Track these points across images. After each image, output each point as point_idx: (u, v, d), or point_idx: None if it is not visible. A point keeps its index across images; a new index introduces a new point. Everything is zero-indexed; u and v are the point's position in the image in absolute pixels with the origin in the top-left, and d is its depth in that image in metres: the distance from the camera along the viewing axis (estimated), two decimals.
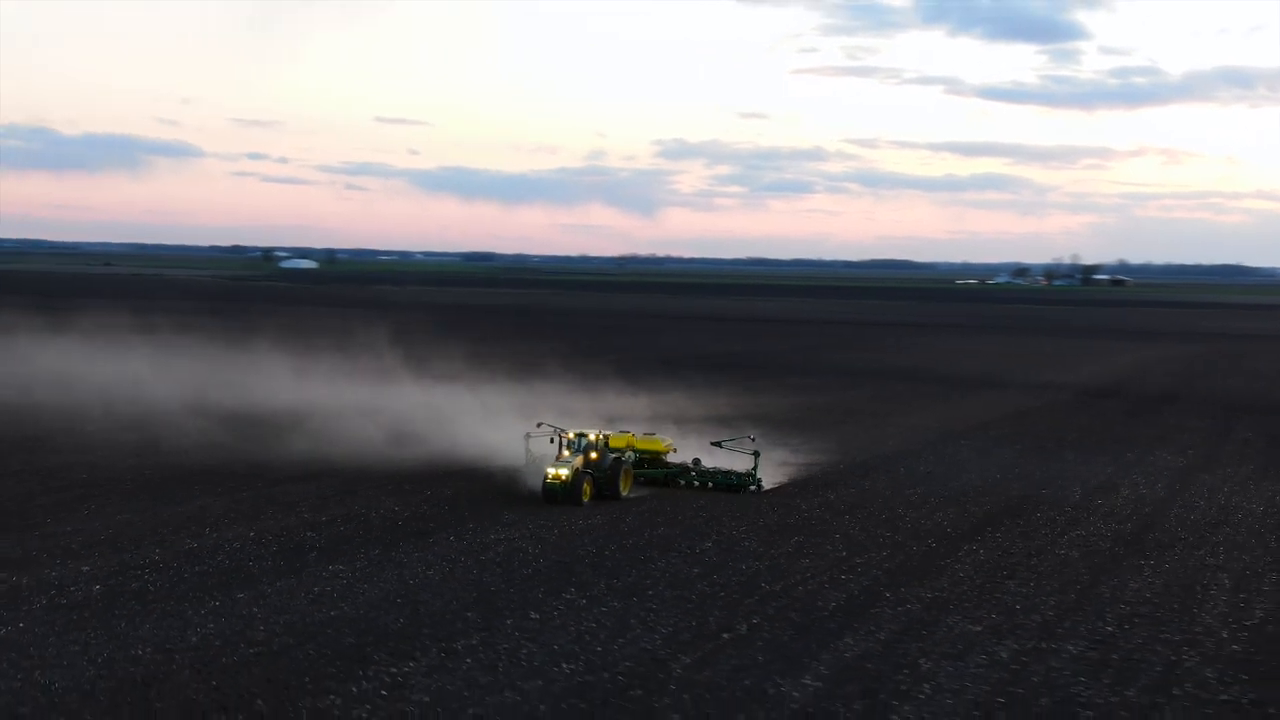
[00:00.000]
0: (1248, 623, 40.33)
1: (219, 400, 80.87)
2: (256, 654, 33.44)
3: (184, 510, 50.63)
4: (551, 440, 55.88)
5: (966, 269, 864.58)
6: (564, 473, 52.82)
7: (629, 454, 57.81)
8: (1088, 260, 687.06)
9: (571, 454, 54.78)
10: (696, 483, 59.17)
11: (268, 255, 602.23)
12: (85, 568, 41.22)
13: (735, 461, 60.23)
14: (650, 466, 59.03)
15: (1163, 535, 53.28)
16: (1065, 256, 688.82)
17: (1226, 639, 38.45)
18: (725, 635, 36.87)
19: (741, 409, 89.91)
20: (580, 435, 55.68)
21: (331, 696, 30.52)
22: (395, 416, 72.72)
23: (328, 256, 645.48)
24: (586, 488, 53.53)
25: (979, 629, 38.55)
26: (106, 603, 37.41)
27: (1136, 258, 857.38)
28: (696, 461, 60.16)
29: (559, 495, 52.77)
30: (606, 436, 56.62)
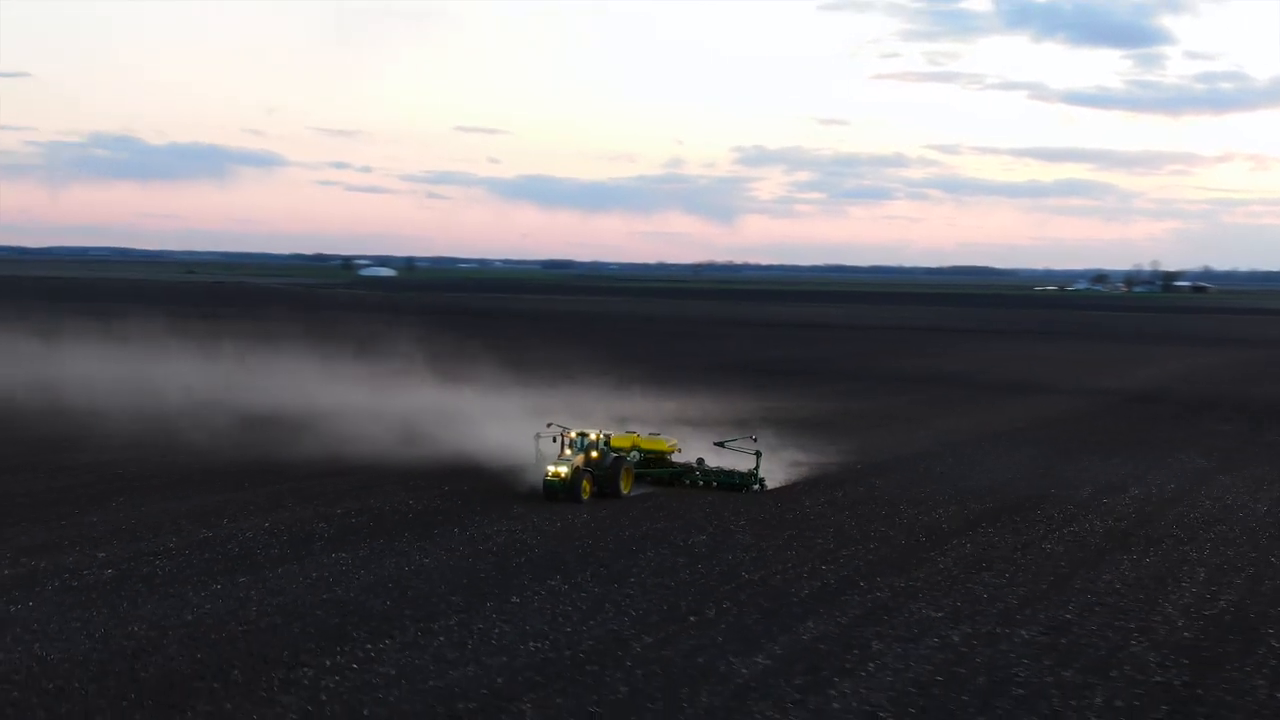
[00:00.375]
0: (1207, 612, 41.69)
1: (261, 402, 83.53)
2: (244, 631, 35.83)
3: (206, 503, 53.28)
4: (554, 440, 57.52)
5: (1048, 276, 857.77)
6: (564, 470, 54.82)
7: (634, 454, 59.66)
8: (1172, 267, 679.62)
9: (573, 453, 56.57)
10: (701, 482, 60.70)
11: (347, 263, 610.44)
12: (101, 554, 43.86)
13: (741, 461, 61.85)
14: (655, 466, 60.50)
15: (1155, 531, 54.53)
16: (1146, 263, 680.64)
17: (1181, 627, 39.85)
18: (692, 618, 38.79)
19: (777, 412, 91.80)
20: (582, 435, 57.55)
21: (305, 669, 32.78)
22: (426, 417, 75.06)
23: (406, 264, 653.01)
24: (586, 485, 55.39)
25: (940, 615, 40.23)
26: (115, 585, 39.98)
27: (1222, 264, 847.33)
28: (700, 461, 61.63)
29: (559, 492, 54.70)
30: (608, 436, 58.46)
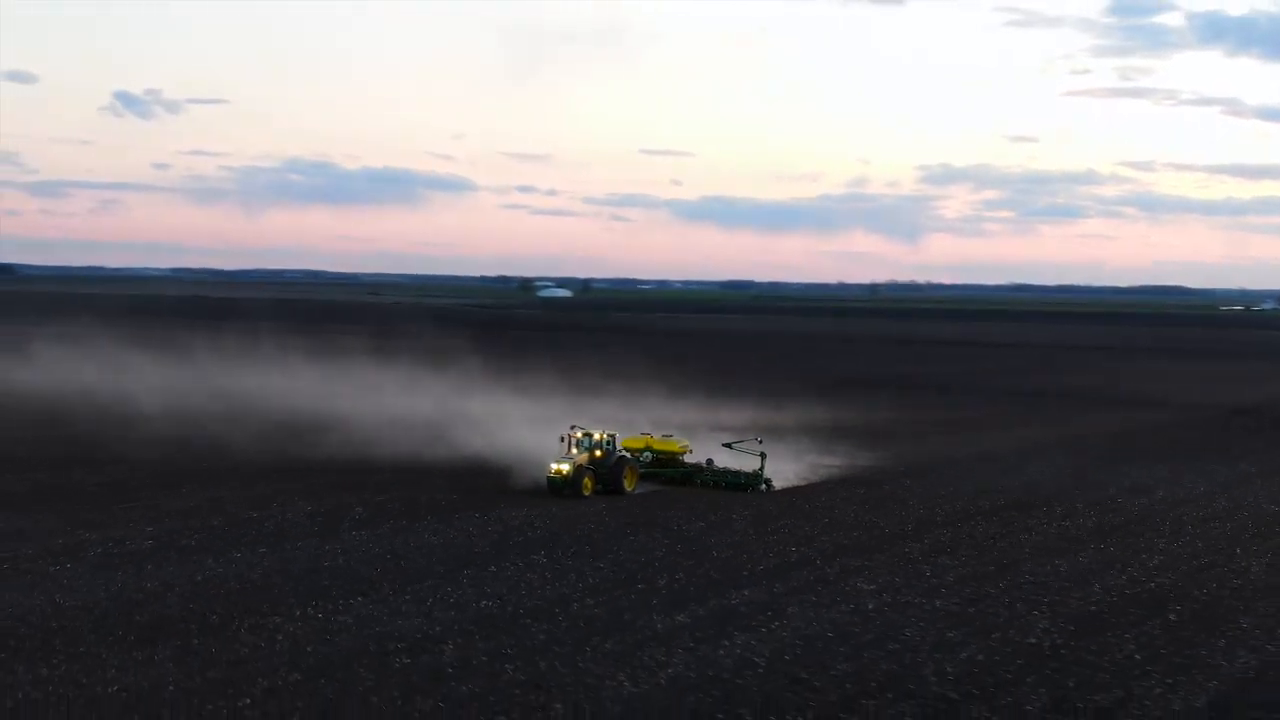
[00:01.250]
0: (1129, 591, 44.99)
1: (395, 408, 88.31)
2: (241, 588, 41.72)
3: (265, 490, 59.45)
4: (562, 439, 61.88)
5: (1243, 295, 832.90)
6: (565, 468, 59.32)
7: (647, 454, 64.22)
8: None
9: (578, 451, 60.83)
10: (710, 482, 64.42)
11: (525, 285, 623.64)
12: (149, 528, 50.27)
13: (753, 463, 65.32)
14: (668, 466, 64.69)
15: (1144, 526, 57.88)
16: None
17: (1094, 602, 43.27)
18: (640, 586, 43.51)
19: (854, 420, 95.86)
20: (587, 435, 61.67)
21: (276, 617, 38.43)
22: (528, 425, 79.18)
23: (583, 286, 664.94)
24: (587, 482, 59.54)
25: (871, 588, 44.27)
26: (149, 553, 46.21)
27: None
28: (709, 462, 65.30)
29: (560, 488, 59.03)
30: (613, 435, 62.42)
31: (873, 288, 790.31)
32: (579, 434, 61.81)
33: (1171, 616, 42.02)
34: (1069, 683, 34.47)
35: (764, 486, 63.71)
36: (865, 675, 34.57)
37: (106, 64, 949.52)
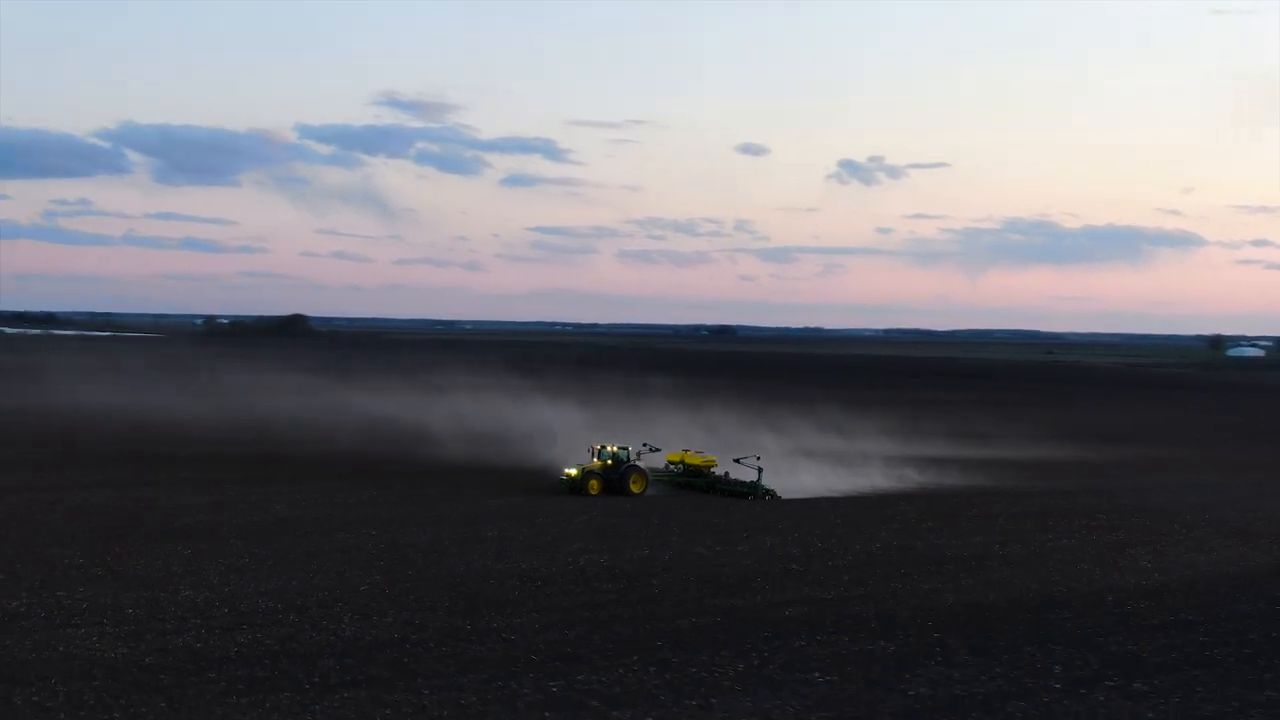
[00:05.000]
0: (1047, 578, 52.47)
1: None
2: (270, 557, 58.99)
3: (379, 487, 72.57)
4: (588, 450, 74.51)
5: None
6: (573, 472, 71.70)
7: (679, 465, 75.03)
8: None
9: (596, 461, 72.72)
10: (720, 488, 73.90)
11: (1216, 342, 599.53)
12: (279, 506, 66.28)
13: (770, 475, 74.24)
14: (698, 477, 75.01)
15: (1143, 520, 65.24)
16: None
17: (976, 583, 51.56)
18: (576, 545, 57.01)
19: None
20: (603, 448, 73.64)
21: (310, 540, 55.94)
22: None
23: (1277, 344, 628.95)
24: (594, 484, 70.92)
25: (797, 552, 54.95)
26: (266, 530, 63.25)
27: None
28: (726, 474, 75.18)
29: (569, 488, 71.10)
30: (625, 449, 73.51)
31: None
32: (598, 447, 74.17)
33: (996, 562, 50.38)
34: None
35: (766, 496, 72.35)
36: None
37: (832, 134, 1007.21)
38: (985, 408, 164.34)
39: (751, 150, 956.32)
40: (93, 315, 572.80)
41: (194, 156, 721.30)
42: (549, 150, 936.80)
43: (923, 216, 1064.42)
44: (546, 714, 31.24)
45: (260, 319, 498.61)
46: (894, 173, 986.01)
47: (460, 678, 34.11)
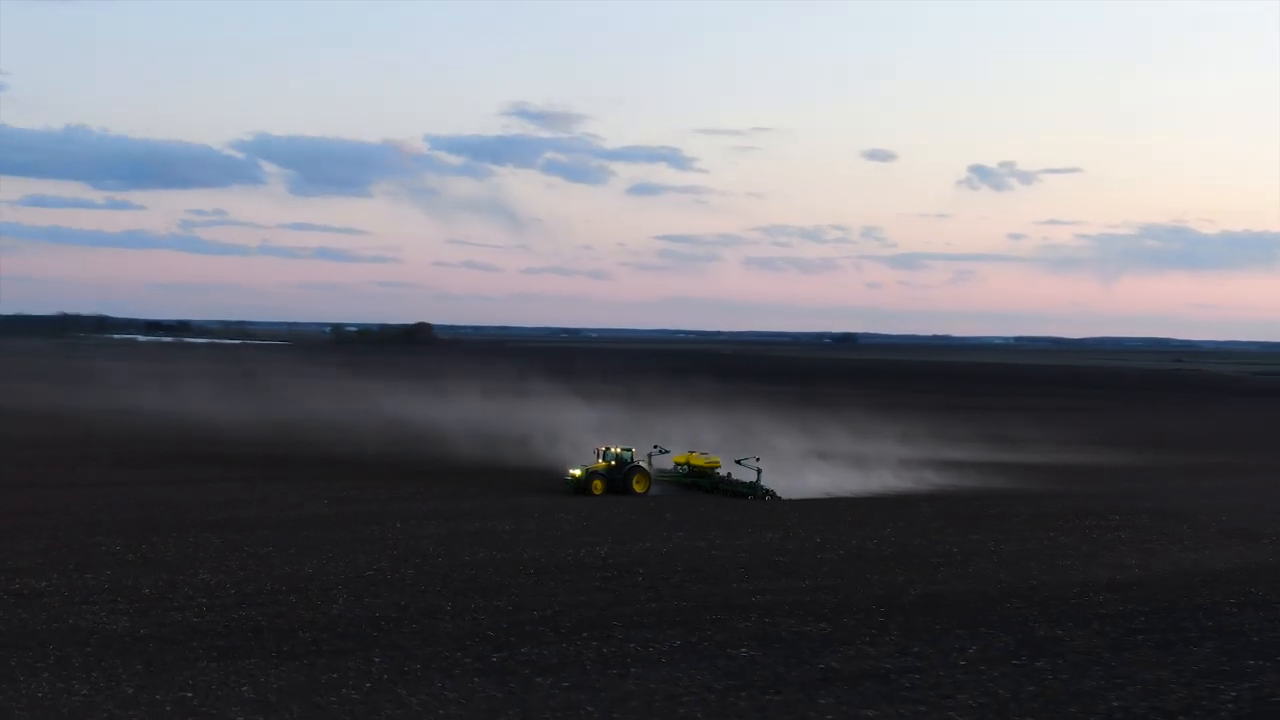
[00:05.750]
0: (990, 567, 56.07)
1: None
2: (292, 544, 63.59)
3: (419, 485, 77.67)
4: (595, 452, 78.36)
5: None
6: (577, 472, 75.51)
7: (685, 467, 78.65)
8: None
9: (601, 462, 76.49)
10: (722, 489, 77.40)
11: None
12: (318, 494, 72.82)
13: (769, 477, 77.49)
14: (703, 478, 78.43)
15: (1154, 521, 67.03)
16: None
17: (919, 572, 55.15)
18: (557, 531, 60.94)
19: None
20: (608, 450, 77.42)
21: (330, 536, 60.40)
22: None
23: None
24: (597, 484, 74.75)
25: (792, 546, 58.32)
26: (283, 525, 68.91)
27: None
28: (728, 475, 78.50)
29: (573, 488, 74.69)
30: (629, 450, 77.44)
31: None
32: (603, 449, 77.99)
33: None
34: None
35: (765, 496, 75.60)
36: None
37: (961, 139, 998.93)
38: (1075, 414, 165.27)
39: (879, 156, 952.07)
40: (225, 323, 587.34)
41: (327, 167, 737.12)
42: (674, 158, 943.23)
43: (1056, 222, 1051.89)
44: (476, 679, 34.72)
45: (384, 327, 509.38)
46: (1025, 178, 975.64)
47: (417, 650, 37.72)
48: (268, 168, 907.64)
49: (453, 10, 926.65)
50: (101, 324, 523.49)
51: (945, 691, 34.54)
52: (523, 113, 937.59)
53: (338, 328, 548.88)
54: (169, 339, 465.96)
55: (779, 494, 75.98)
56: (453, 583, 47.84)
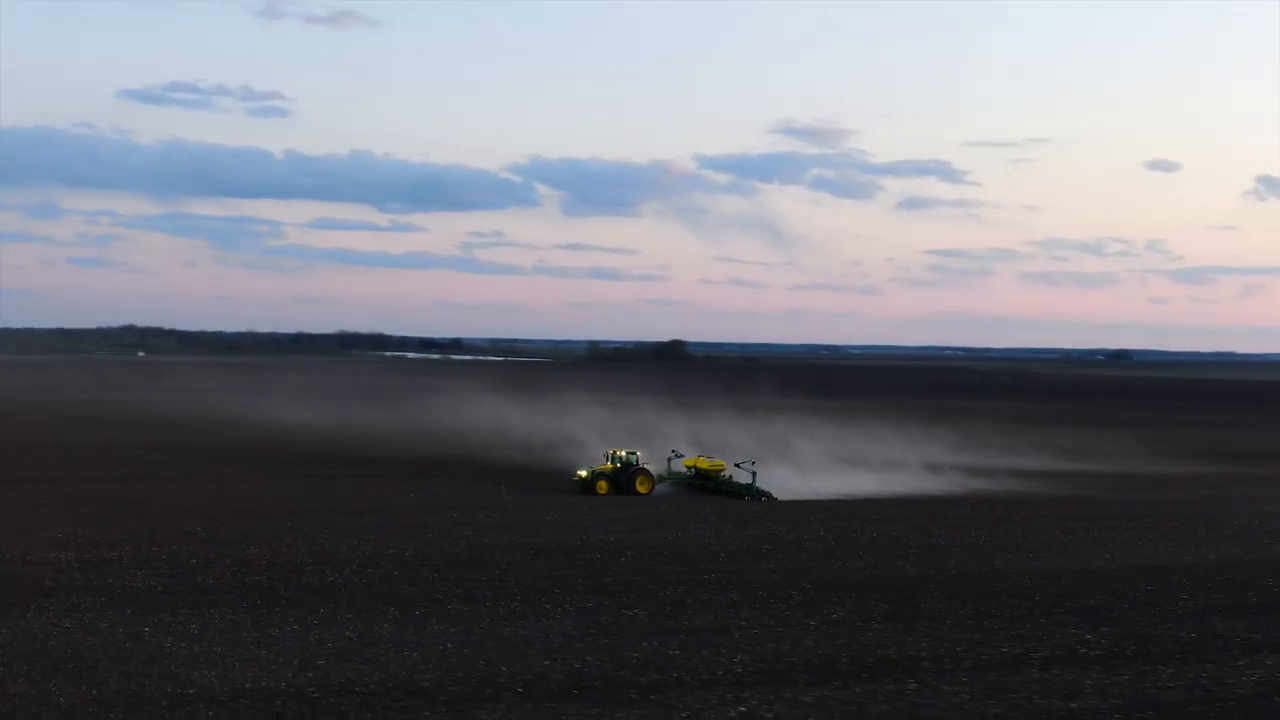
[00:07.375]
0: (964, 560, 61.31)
1: None
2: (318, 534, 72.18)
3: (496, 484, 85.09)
4: (604, 455, 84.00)
5: None
6: (584, 473, 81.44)
7: (692, 470, 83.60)
8: None
9: (608, 464, 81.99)
10: (724, 490, 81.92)
11: None
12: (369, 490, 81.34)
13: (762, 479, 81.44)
14: (708, 480, 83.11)
15: (1171, 523, 71.03)
16: None
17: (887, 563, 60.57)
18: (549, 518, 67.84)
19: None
20: (615, 453, 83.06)
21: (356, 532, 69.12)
22: None
23: None
24: (602, 485, 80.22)
25: (792, 538, 64.51)
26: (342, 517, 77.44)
27: None
28: (730, 477, 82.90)
29: (580, 488, 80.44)
30: (634, 453, 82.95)
31: None
32: (611, 452, 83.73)
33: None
34: None
35: (761, 497, 79.79)
36: None
37: (1248, 149, 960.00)
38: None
39: (1162, 166, 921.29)
40: (496, 341, 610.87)
41: (599, 189, 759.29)
42: (945, 172, 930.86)
43: None
44: (408, 630, 42.09)
45: (639, 345, 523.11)
46: None
47: (366, 608, 45.40)
48: (542, 190, 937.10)
49: (718, 31, 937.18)
50: (380, 342, 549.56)
51: (758, 642, 40.84)
52: (789, 130, 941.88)
53: (595, 345, 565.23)
54: (436, 355, 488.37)
55: (774, 495, 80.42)
56: (453, 561, 55.16)
